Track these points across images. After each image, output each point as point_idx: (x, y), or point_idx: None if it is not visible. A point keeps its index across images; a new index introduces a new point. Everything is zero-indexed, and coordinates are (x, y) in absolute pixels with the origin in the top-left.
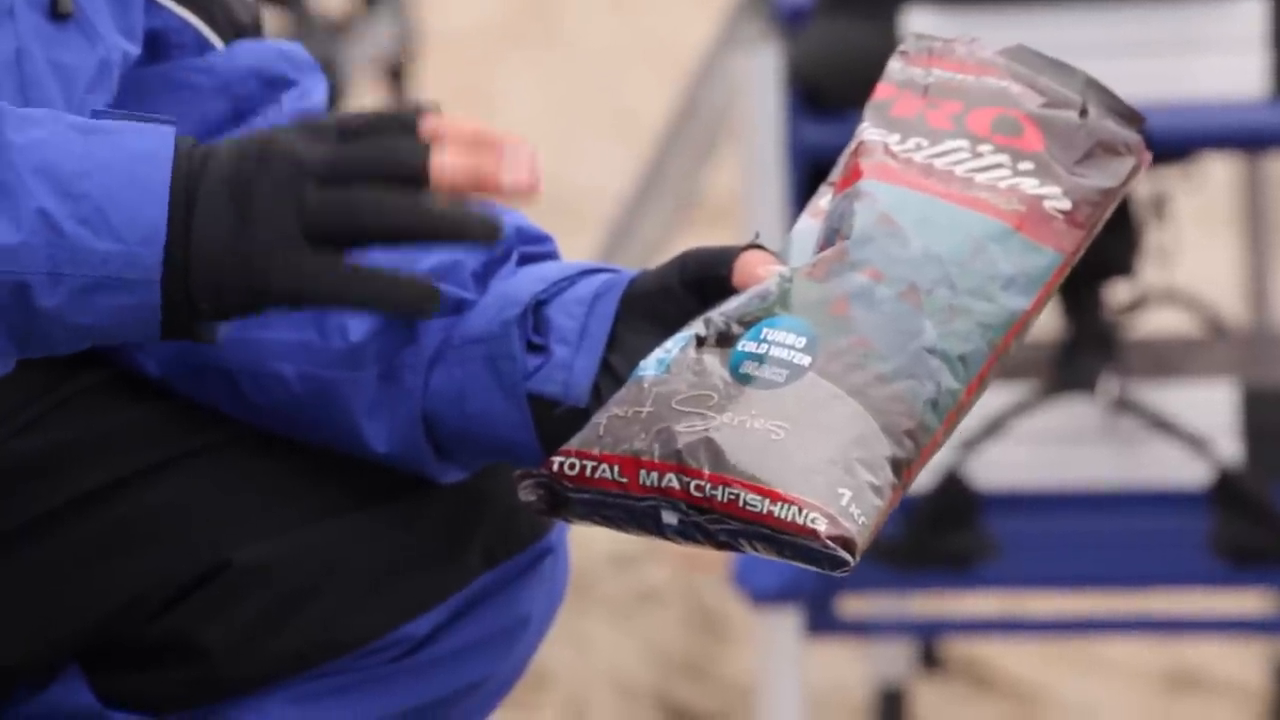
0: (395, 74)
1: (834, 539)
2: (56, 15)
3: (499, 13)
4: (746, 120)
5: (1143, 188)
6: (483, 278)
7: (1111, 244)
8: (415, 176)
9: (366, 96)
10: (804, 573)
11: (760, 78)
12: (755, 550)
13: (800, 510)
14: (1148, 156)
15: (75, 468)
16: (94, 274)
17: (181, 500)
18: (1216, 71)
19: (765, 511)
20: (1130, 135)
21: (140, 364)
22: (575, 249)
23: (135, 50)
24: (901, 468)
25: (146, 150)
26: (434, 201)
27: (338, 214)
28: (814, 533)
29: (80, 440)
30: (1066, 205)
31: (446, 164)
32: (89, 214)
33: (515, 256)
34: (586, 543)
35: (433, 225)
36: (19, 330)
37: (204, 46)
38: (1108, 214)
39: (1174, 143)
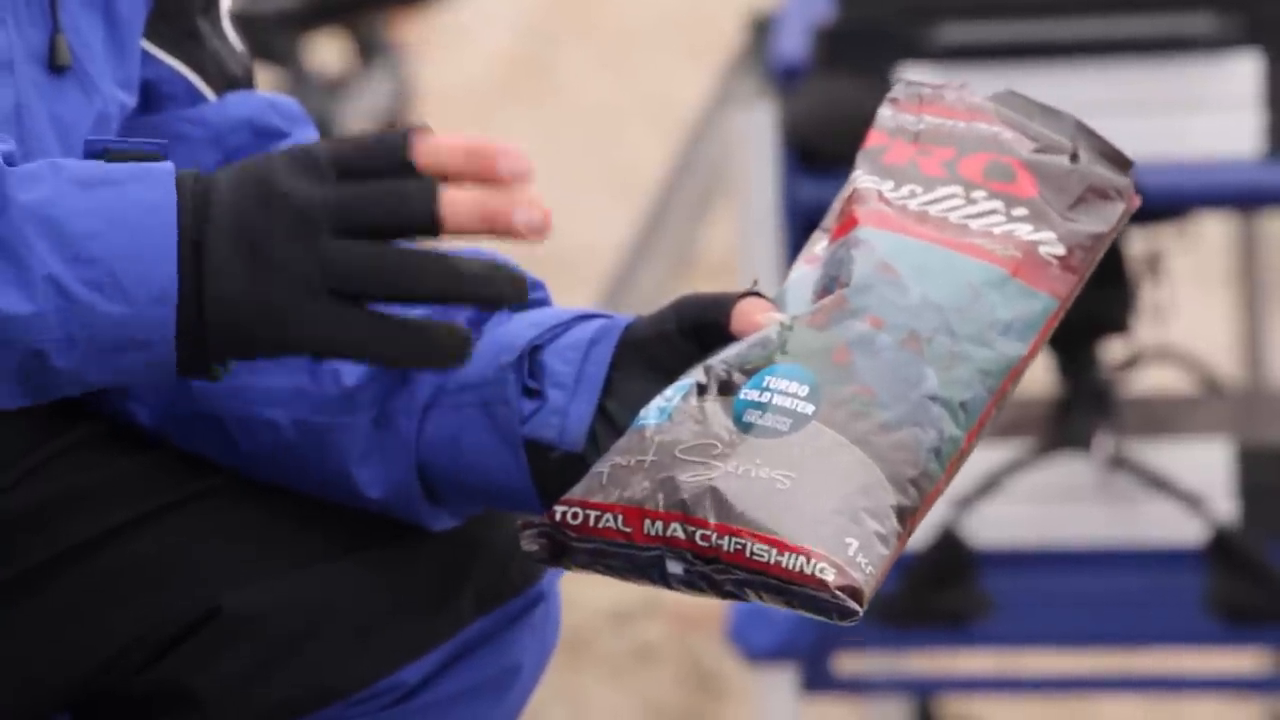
0: None
1: (842, 589)
2: (55, 68)
3: (496, 70)
4: (742, 177)
5: (1138, 245)
6: (477, 323)
7: (1107, 301)
8: (428, 224)
9: None
10: (800, 630)
11: (756, 135)
12: (761, 600)
13: (808, 560)
14: (1137, 200)
15: (66, 520)
16: (109, 337)
17: (171, 548)
18: (1211, 130)
19: (773, 561)
20: (1120, 179)
21: (132, 413)
22: (572, 305)
23: (132, 102)
24: (906, 516)
25: (150, 202)
26: (458, 260)
27: (361, 269)
28: (822, 583)
29: (71, 492)
30: (1061, 250)
31: (456, 207)
32: (100, 278)
33: None
34: (583, 600)
35: (461, 285)
36: (33, 386)
37: (195, 97)
38: (1098, 258)
39: (1169, 201)
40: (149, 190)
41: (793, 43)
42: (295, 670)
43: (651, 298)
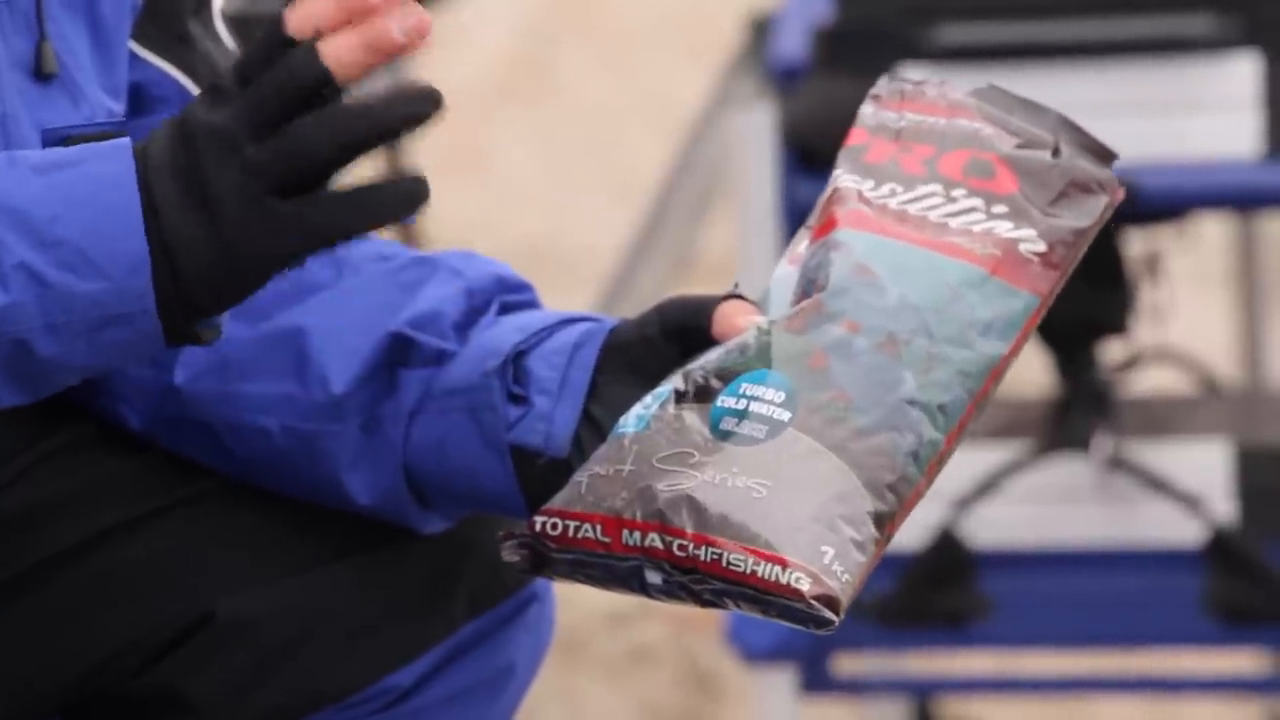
0: None
1: (818, 598)
2: (41, 76)
3: (495, 70)
4: (741, 178)
5: (1137, 246)
6: (463, 328)
7: (1105, 302)
8: (322, 84)
9: None
10: (798, 631)
11: (755, 136)
12: (740, 609)
13: (784, 569)
14: (1120, 193)
15: (57, 523)
16: (89, 316)
17: (164, 553)
18: (1210, 131)
19: (749, 571)
20: (1103, 173)
21: (122, 416)
22: (572, 306)
23: (120, 108)
24: (884, 521)
25: (110, 176)
26: (361, 101)
27: (286, 160)
28: (798, 592)
29: (62, 495)
30: (1041, 247)
31: (339, 53)
32: (70, 258)
33: (496, 306)
34: (580, 601)
35: (373, 122)
36: (25, 379)
37: (186, 99)
38: (1081, 252)
39: (1168, 201)
40: (107, 165)
41: (792, 43)
42: (289, 675)
43: (651, 298)
